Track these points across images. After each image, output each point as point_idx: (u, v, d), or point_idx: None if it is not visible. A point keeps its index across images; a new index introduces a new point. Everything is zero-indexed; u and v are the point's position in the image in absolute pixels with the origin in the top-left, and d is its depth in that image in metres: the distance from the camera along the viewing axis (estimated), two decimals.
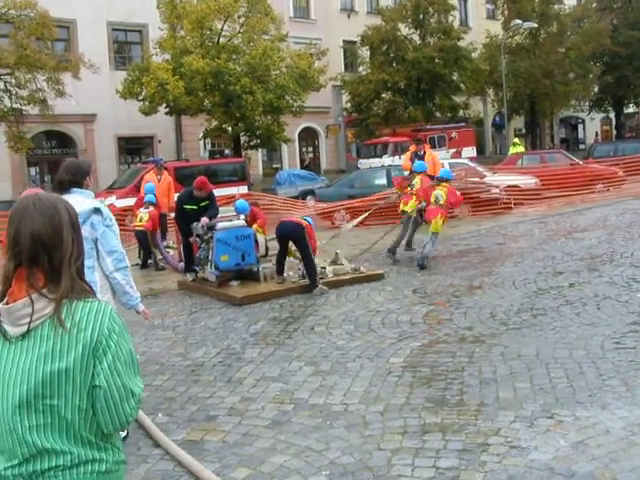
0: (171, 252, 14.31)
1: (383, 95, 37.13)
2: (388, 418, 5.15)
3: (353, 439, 4.84)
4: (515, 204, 18.51)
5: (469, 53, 37.11)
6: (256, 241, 11.00)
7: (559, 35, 40.76)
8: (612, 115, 52.67)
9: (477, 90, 39.76)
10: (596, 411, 4.99)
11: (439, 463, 4.39)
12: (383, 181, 20.57)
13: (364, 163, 31.02)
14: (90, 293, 2.13)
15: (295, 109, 30.61)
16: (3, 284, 2.06)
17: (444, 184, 11.72)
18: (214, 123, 30.37)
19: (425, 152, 17.14)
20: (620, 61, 43.73)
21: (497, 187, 18.71)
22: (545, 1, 40.05)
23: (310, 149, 41.51)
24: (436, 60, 35.35)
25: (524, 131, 47.94)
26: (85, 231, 4.91)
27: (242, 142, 31.32)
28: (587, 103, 47.24)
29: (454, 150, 32.90)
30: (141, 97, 28.42)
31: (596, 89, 45.40)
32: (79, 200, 4.96)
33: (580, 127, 57.23)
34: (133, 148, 35.07)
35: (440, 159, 19.90)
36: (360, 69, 39.77)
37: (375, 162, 29.41)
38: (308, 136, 41.46)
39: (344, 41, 40.59)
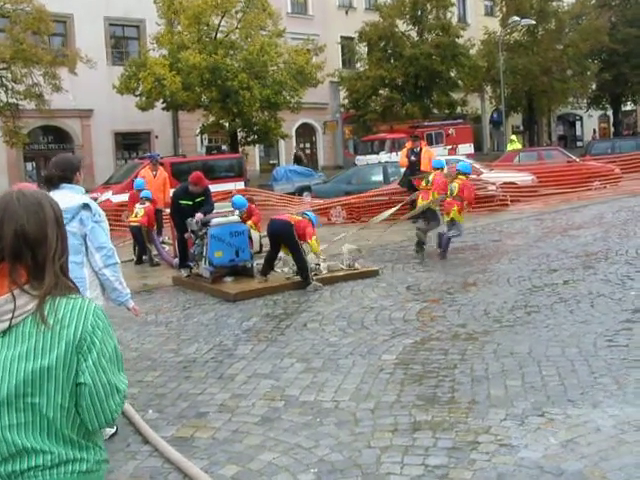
0: (166, 248, 14.28)
1: (381, 91, 37.10)
2: (379, 416, 5.13)
3: (343, 436, 4.82)
4: (511, 201, 18.49)
5: (467, 50, 37.08)
6: (250, 237, 10.99)
7: (557, 32, 40.73)
8: (610, 112, 52.68)
9: (475, 87, 39.78)
10: (587, 409, 4.97)
11: (428, 461, 4.38)
12: (380, 177, 20.56)
13: (361, 159, 30.98)
14: (74, 290, 2.10)
15: (292, 105, 30.57)
16: None
17: (461, 177, 11.85)
18: (211, 119, 30.34)
19: (421, 149, 17.16)
20: (618, 58, 43.73)
21: (493, 184, 18.69)
22: None
23: (302, 145, 41.40)
24: (434, 57, 35.31)
25: (522, 128, 47.91)
26: (74, 227, 4.89)
27: (239, 138, 31.28)
28: (585, 100, 47.26)
29: (449, 147, 32.86)
30: (138, 92, 28.37)
31: (594, 86, 45.37)
32: (68, 196, 4.94)
33: (578, 124, 57.27)
34: (130, 143, 35.02)
35: (437, 155, 19.91)
36: (358, 65, 39.71)
37: (372, 158, 29.37)
38: (305, 132, 41.42)
39: (342, 37, 40.56)
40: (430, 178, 12.46)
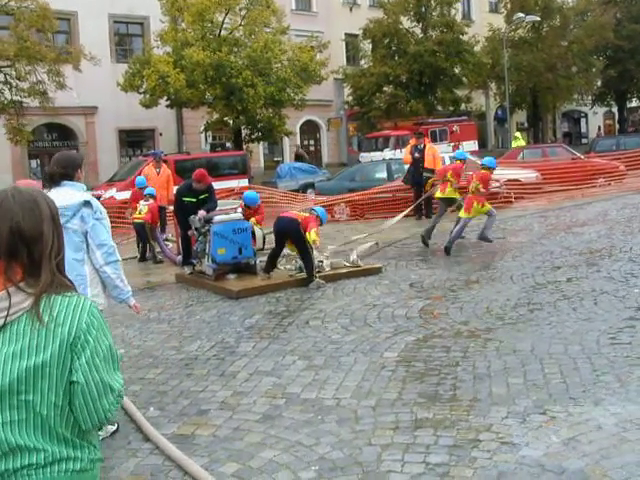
0: (170, 245, 14.30)
1: (385, 88, 37.03)
2: (380, 413, 5.12)
3: (344, 434, 4.81)
4: (515, 198, 18.44)
5: (471, 46, 36.99)
6: (253, 234, 10.98)
7: (562, 28, 40.58)
8: (615, 109, 52.50)
9: (479, 84, 39.66)
10: (589, 407, 4.95)
11: (429, 459, 4.36)
12: (383, 174, 20.53)
13: (365, 156, 30.97)
14: (70, 288, 2.09)
15: (296, 102, 30.54)
16: None
17: (484, 171, 11.99)
18: (215, 116, 30.33)
19: (425, 145, 17.14)
20: (623, 55, 43.57)
21: (497, 181, 18.61)
22: None
23: (306, 142, 41.37)
24: (438, 53, 35.23)
25: (526, 125, 47.79)
26: (75, 224, 4.89)
27: (243, 135, 31.27)
28: (590, 97, 47.10)
29: (452, 144, 32.80)
30: (142, 90, 28.37)
31: (599, 83, 45.23)
32: (70, 193, 4.94)
33: (583, 121, 57.10)
34: (134, 141, 35.05)
35: (441, 152, 19.88)
36: (362, 62, 39.65)
37: (376, 155, 29.35)
38: (310, 129, 41.40)
39: (346, 34, 40.49)
40: (449, 174, 12.69)
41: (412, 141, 17.84)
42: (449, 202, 12.87)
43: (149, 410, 5.55)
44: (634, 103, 53.45)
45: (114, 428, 5.13)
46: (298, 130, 38.96)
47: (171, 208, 13.41)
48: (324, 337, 7.28)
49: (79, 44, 28.49)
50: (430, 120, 34.63)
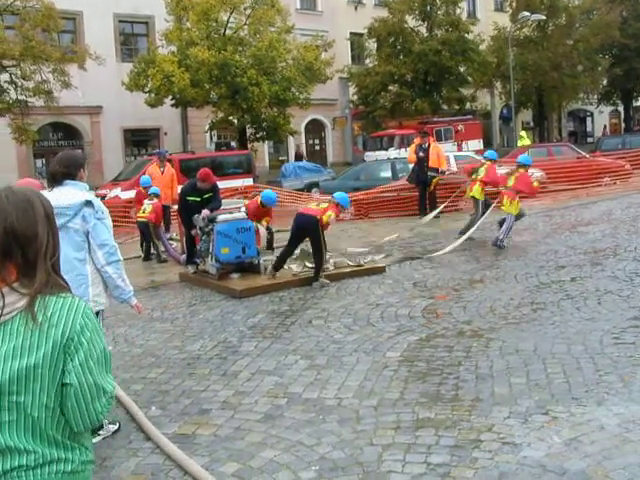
0: (174, 244, 14.30)
1: (390, 87, 36.99)
2: (381, 413, 5.11)
3: (345, 434, 4.79)
4: (520, 197, 18.34)
5: (477, 45, 36.91)
6: (257, 233, 10.97)
7: (567, 27, 40.47)
8: (621, 108, 52.34)
9: (484, 83, 39.57)
10: (592, 407, 4.93)
11: (430, 459, 4.35)
12: (388, 174, 20.51)
13: (370, 156, 30.90)
14: (65, 288, 2.08)
15: (301, 101, 30.52)
16: None
17: (521, 169, 12.07)
18: (220, 115, 30.34)
19: (430, 145, 17.11)
20: (629, 53, 43.45)
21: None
22: None
23: (311, 141, 41.39)
24: (443, 52, 35.17)
25: (532, 124, 47.69)
26: (76, 224, 4.89)
27: (248, 134, 31.27)
28: (595, 96, 46.96)
29: (457, 143, 32.75)
30: (147, 89, 28.39)
31: (605, 82, 45.11)
32: (72, 192, 4.93)
33: (588, 120, 56.91)
34: (139, 140, 35.08)
35: (445, 151, 19.85)
36: (367, 61, 39.61)
37: (381, 155, 29.29)
38: (315, 128, 41.37)
39: (351, 33, 40.43)
40: (480, 170, 12.85)
41: (417, 140, 17.81)
42: (477, 202, 13.04)
43: (151, 409, 5.55)
44: None
45: (115, 427, 5.13)
46: (303, 129, 38.97)
47: (175, 207, 13.41)
48: (327, 336, 7.26)
49: (84, 44, 28.54)
50: (435, 119, 34.56)
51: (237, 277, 10.42)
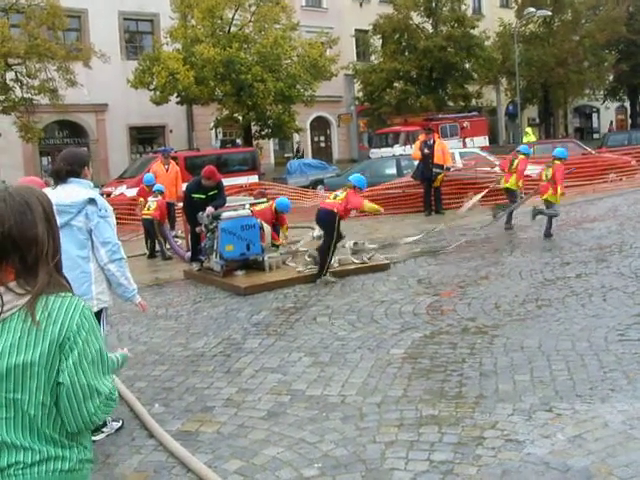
0: (179, 242, 14.31)
1: (395, 84, 36.96)
2: (385, 410, 5.10)
3: (348, 431, 4.79)
4: (525, 194, 18.30)
5: (482, 41, 36.83)
6: (262, 230, 10.96)
7: (573, 23, 40.35)
8: (627, 104, 52.16)
9: (490, 79, 39.51)
10: (596, 404, 4.91)
11: (433, 456, 4.34)
12: (393, 170, 20.47)
13: (375, 152, 30.89)
14: (66, 288, 2.08)
15: (306, 98, 30.51)
16: None
17: (557, 162, 12.33)
18: (225, 112, 30.36)
19: (435, 141, 17.07)
20: (635, 49, 43.32)
21: None
22: None
23: (317, 139, 41.42)
24: (448, 49, 35.10)
25: (537, 120, 47.57)
26: (80, 221, 4.89)
27: (253, 131, 31.28)
28: (602, 92, 46.79)
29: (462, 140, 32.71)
30: (152, 87, 28.43)
31: (611, 77, 44.94)
32: (76, 190, 4.93)
33: (595, 116, 56.74)
34: (145, 138, 35.14)
35: (451, 148, 19.81)
36: (372, 58, 39.58)
37: (387, 152, 29.27)
38: (320, 125, 41.37)
39: (356, 30, 40.44)
40: (515, 162, 13.46)
41: (421, 137, 17.77)
42: (511, 192, 13.60)
43: (154, 407, 5.55)
44: None
45: (119, 424, 5.13)
46: (308, 126, 38.98)
47: (180, 205, 13.42)
48: (331, 334, 7.25)
49: (89, 41, 28.61)
50: (440, 116, 34.52)
51: (241, 274, 10.41)
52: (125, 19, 33.53)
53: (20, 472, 1.95)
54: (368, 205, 10.53)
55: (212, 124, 32.39)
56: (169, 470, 4.46)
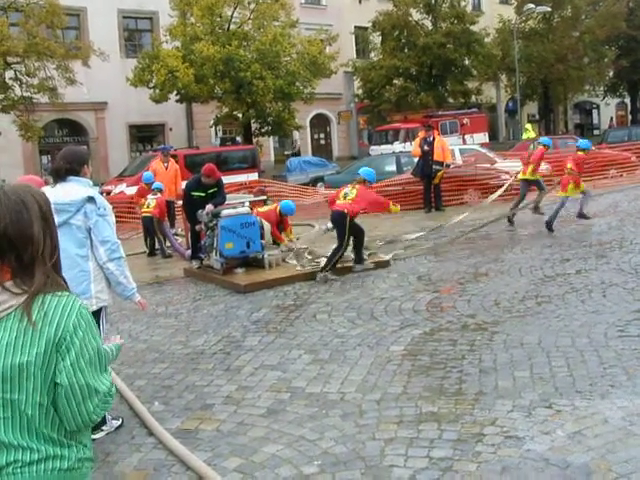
0: (179, 239, 14.31)
1: (395, 81, 36.95)
2: (384, 407, 5.09)
3: (347, 428, 4.78)
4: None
5: (482, 38, 36.80)
6: (262, 228, 10.96)
7: (573, 19, 40.33)
8: (627, 100, 52.10)
9: (489, 75, 39.47)
10: (595, 400, 4.90)
11: (433, 453, 4.33)
12: (393, 167, 20.47)
13: (375, 149, 30.89)
14: (63, 287, 2.07)
15: (306, 96, 30.49)
16: None
17: (579, 153, 12.61)
18: (225, 110, 30.33)
19: (434, 138, 17.06)
20: (636, 45, 43.26)
21: (507, 173, 18.51)
22: None
23: (316, 136, 41.43)
24: (447, 45, 35.08)
25: (537, 117, 47.53)
26: (78, 220, 4.88)
27: (253, 129, 31.26)
28: (602, 88, 46.74)
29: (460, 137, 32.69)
30: (151, 85, 28.41)
31: (611, 74, 44.91)
32: (75, 188, 4.92)
33: (595, 112, 56.69)
34: (144, 136, 35.13)
35: (450, 145, 19.80)
36: (372, 55, 39.56)
37: (387, 148, 29.26)
38: (320, 123, 41.37)
39: (355, 27, 40.40)
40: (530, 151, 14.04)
41: (421, 134, 17.75)
42: (529, 183, 13.75)
43: (154, 405, 5.55)
44: None
45: (119, 423, 5.13)
46: (308, 124, 38.97)
47: (179, 203, 13.43)
48: (330, 331, 7.25)
49: (89, 40, 28.60)
50: (440, 113, 34.50)
51: (241, 272, 10.42)
52: (124, 17, 33.50)
53: (19, 471, 1.95)
54: (392, 206, 10.62)
55: (212, 122, 32.36)
56: (169, 468, 4.46)
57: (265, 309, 8.46)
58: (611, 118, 54.11)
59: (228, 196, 11.76)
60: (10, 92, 24.96)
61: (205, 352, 6.89)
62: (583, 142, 13.21)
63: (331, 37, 31.78)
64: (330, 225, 10.60)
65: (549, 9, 36.98)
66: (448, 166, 17.16)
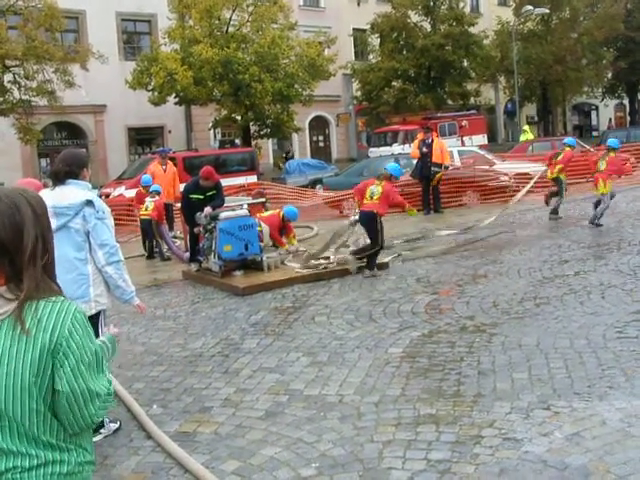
0: (177, 242, 14.30)
1: (393, 83, 36.96)
2: (382, 409, 5.09)
3: (346, 431, 4.78)
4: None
5: (480, 40, 36.82)
6: (260, 230, 10.97)
7: (571, 20, 40.31)
8: (626, 101, 52.13)
9: (488, 77, 39.50)
10: (594, 402, 4.90)
11: (431, 455, 4.33)
12: None
13: (374, 152, 30.87)
14: (57, 292, 2.04)
15: (304, 98, 30.50)
16: None
17: (611, 153, 12.89)
18: (224, 113, 30.34)
19: (433, 140, 17.07)
20: (634, 46, 43.25)
21: (506, 175, 18.53)
22: None
23: (315, 138, 41.46)
24: (446, 47, 35.10)
25: (536, 118, 47.55)
26: (77, 223, 4.87)
27: (252, 131, 31.27)
28: (600, 89, 46.75)
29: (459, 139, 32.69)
30: (150, 87, 28.41)
31: (609, 75, 44.91)
32: (74, 192, 4.92)
33: (593, 114, 56.75)
34: (143, 139, 35.13)
35: (449, 147, 19.79)
36: (370, 57, 39.57)
37: (385, 150, 29.26)
38: (319, 125, 41.38)
39: (354, 29, 40.42)
40: (560, 155, 14.10)
41: (420, 135, 17.78)
42: (557, 181, 14.04)
43: (152, 408, 5.54)
44: None
45: (116, 426, 5.12)
46: (307, 126, 38.97)
47: (178, 205, 13.42)
48: (329, 333, 7.25)
49: (87, 42, 28.60)
50: (439, 114, 34.51)
51: (240, 274, 10.41)
52: (123, 20, 33.51)
53: (18, 476, 1.93)
54: (408, 207, 10.73)
55: (210, 124, 32.36)
56: (167, 471, 4.45)
57: (263, 312, 8.46)
58: (610, 119, 54.15)
59: (227, 198, 11.77)
60: (9, 95, 24.95)
61: (203, 355, 6.88)
62: (611, 141, 13.64)
63: (329, 39, 31.80)
64: (357, 217, 10.69)
65: (547, 11, 36.99)
66: (447, 168, 17.17)
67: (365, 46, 39.97)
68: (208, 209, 10.72)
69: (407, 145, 28.22)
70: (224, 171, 20.88)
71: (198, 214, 10.91)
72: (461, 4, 38.19)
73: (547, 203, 14.31)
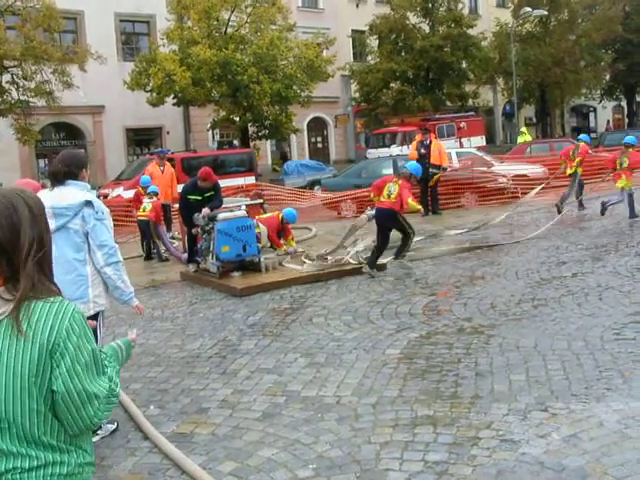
0: (175, 243, 14.30)
1: (392, 84, 36.96)
2: (380, 411, 5.09)
3: (343, 432, 4.78)
4: (522, 193, 18.31)
5: (479, 41, 36.84)
6: (258, 231, 10.97)
7: (570, 22, 40.34)
8: (624, 103, 52.18)
9: (486, 79, 39.51)
10: (591, 404, 4.90)
11: (428, 457, 4.33)
12: (389, 171, 20.37)
13: (372, 153, 30.86)
14: (55, 293, 2.04)
15: (303, 99, 30.49)
16: None
17: (630, 149, 13.44)
18: (222, 114, 30.33)
19: (431, 141, 17.09)
20: (632, 48, 43.31)
21: (504, 176, 18.54)
22: None
23: (313, 140, 41.47)
24: (444, 49, 35.12)
25: (534, 120, 47.58)
26: (76, 224, 4.87)
27: (250, 133, 31.26)
28: (598, 91, 46.80)
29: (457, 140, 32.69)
30: (148, 88, 28.39)
31: (607, 77, 44.96)
32: (72, 192, 4.91)
33: (592, 116, 56.81)
34: (141, 139, 35.09)
35: (447, 148, 19.80)
36: (369, 58, 39.57)
37: (384, 152, 29.24)
38: (317, 126, 41.37)
39: (352, 30, 40.40)
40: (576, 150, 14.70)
41: (418, 137, 17.79)
42: (574, 176, 14.65)
43: (149, 408, 5.54)
44: None
45: (114, 427, 5.12)
46: (305, 127, 38.96)
47: (176, 206, 13.41)
48: (327, 334, 7.25)
49: (86, 43, 28.58)
50: (437, 116, 34.51)
51: (238, 275, 10.41)
52: (121, 20, 33.47)
53: (18, 477, 1.93)
54: (412, 203, 10.51)
55: (209, 125, 32.34)
56: (164, 472, 4.45)
57: (261, 313, 8.46)
58: (608, 121, 54.21)
59: (225, 199, 11.76)
60: (7, 96, 24.91)
61: (201, 356, 6.88)
62: (629, 138, 14.11)
63: (328, 40, 31.79)
64: (373, 212, 10.75)
65: (546, 12, 37.02)
66: (445, 169, 17.17)
67: (364, 47, 39.97)
68: (206, 210, 10.72)
69: (405, 146, 28.19)
70: (222, 172, 20.90)
71: (196, 215, 10.91)
72: (460, 6, 38.21)
73: (559, 211, 14.34)
